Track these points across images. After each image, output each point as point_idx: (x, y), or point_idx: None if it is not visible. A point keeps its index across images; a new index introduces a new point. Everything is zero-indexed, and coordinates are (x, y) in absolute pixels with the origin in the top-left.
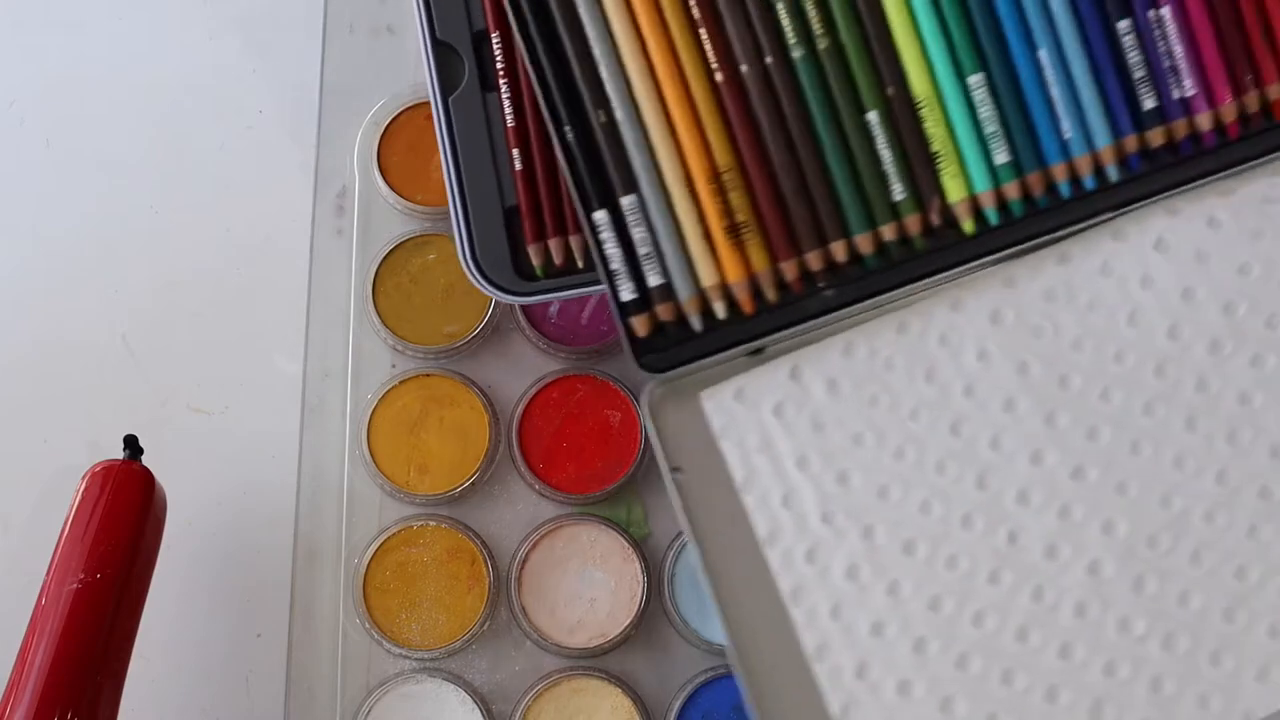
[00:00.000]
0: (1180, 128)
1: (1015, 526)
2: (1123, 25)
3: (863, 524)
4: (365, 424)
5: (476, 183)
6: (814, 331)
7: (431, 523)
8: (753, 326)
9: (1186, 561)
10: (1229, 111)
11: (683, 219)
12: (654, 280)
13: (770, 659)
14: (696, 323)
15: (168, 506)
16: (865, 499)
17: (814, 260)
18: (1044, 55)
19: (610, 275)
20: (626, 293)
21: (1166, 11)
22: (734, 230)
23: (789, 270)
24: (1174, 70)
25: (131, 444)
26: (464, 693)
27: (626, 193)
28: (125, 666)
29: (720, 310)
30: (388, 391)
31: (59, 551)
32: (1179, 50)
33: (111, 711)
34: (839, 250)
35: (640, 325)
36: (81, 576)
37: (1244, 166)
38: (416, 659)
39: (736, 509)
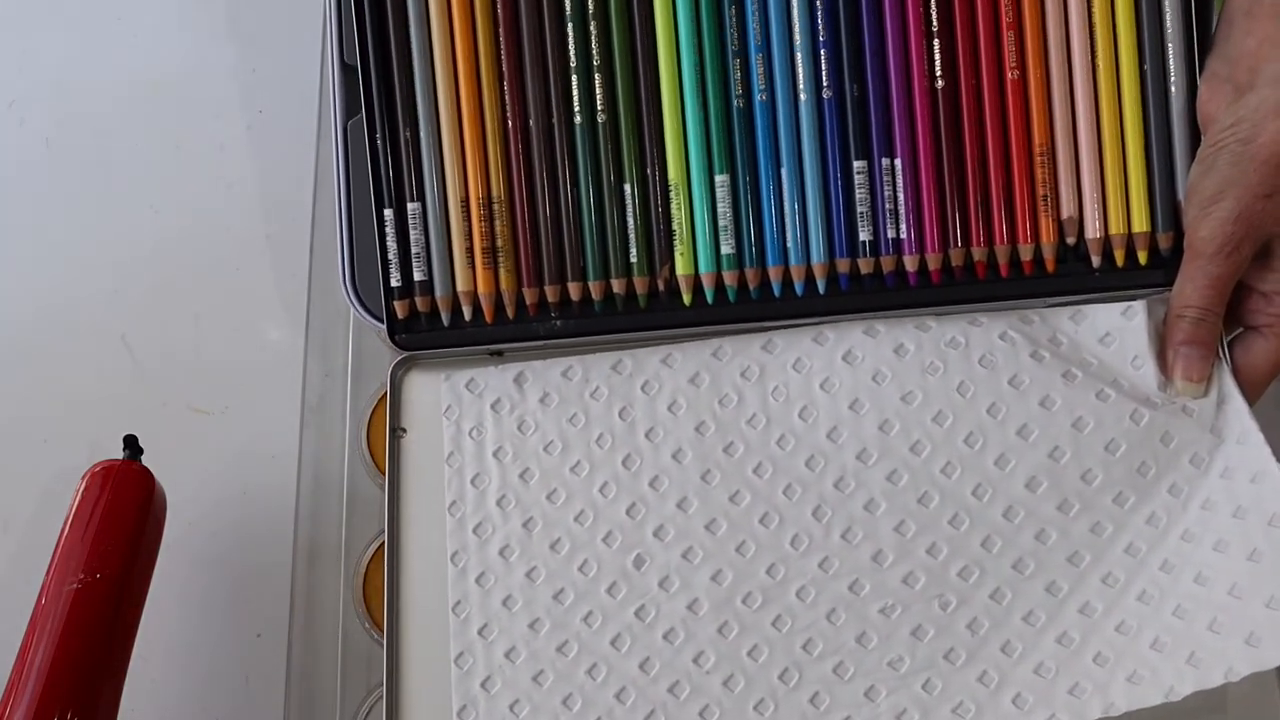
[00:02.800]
0: (888, 262)
1: (644, 553)
2: (858, 165)
3: (527, 515)
4: (365, 424)
5: (366, 208)
6: (548, 348)
7: None
8: (489, 333)
9: (768, 623)
10: (933, 260)
11: (453, 232)
12: (418, 275)
13: (421, 603)
14: (445, 318)
15: (168, 507)
16: (536, 496)
17: (551, 293)
18: (785, 173)
19: (385, 262)
20: (394, 279)
21: (899, 163)
22: (492, 252)
23: (529, 295)
24: (894, 213)
25: (131, 444)
26: None
27: (413, 200)
28: (125, 666)
29: (467, 313)
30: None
31: (59, 551)
32: (902, 198)
33: (111, 711)
34: (574, 290)
35: (400, 308)
36: (81, 576)
37: (941, 309)
38: None
39: (437, 476)
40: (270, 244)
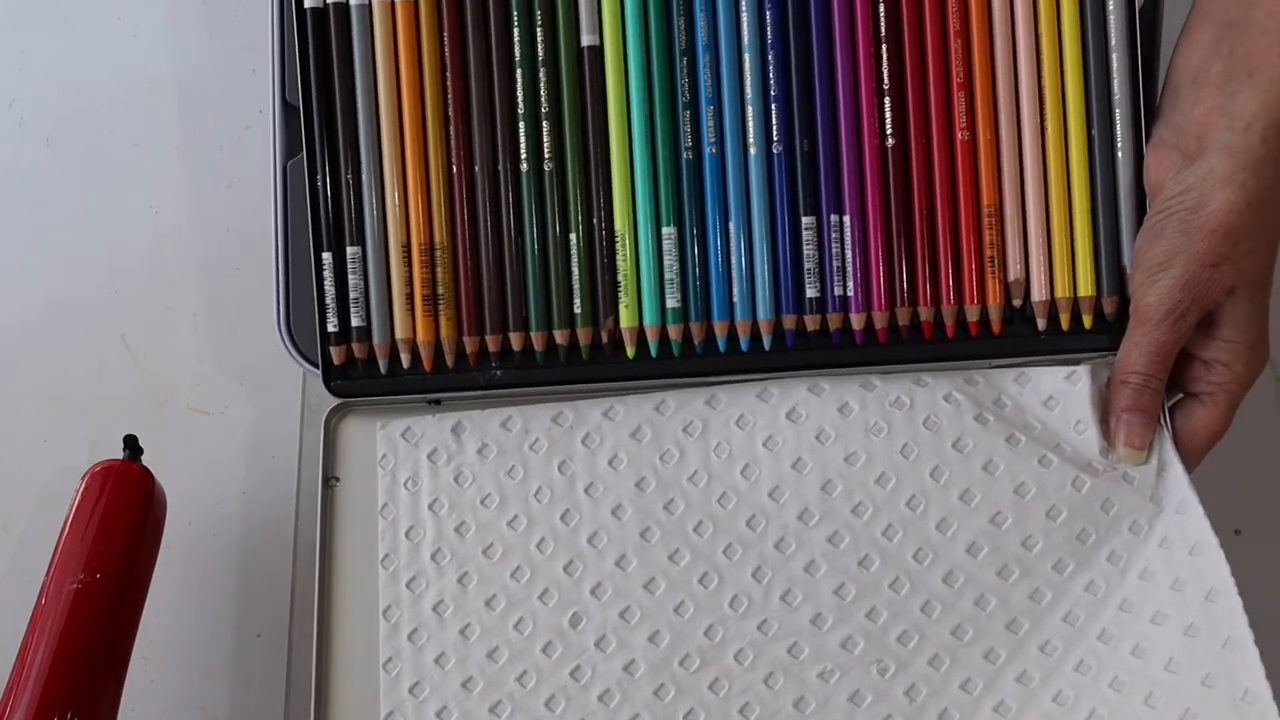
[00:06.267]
0: (835, 319)
1: (581, 611)
2: (806, 220)
3: (462, 570)
4: None
5: (304, 249)
6: (487, 398)
7: None
8: (428, 382)
9: (705, 686)
10: (879, 319)
11: (393, 278)
12: (356, 321)
13: (351, 660)
14: (383, 366)
15: (168, 506)
16: (472, 550)
17: (492, 342)
18: (733, 227)
19: (322, 307)
20: (331, 325)
21: (848, 220)
22: (432, 299)
23: (470, 344)
24: (841, 271)
25: (131, 444)
26: None
27: (353, 244)
28: (125, 666)
29: (405, 361)
30: None
31: (59, 551)
32: (850, 255)
33: (111, 711)
34: (516, 340)
35: (336, 354)
36: (81, 576)
37: (887, 368)
38: None
39: (370, 528)
40: (270, 244)
